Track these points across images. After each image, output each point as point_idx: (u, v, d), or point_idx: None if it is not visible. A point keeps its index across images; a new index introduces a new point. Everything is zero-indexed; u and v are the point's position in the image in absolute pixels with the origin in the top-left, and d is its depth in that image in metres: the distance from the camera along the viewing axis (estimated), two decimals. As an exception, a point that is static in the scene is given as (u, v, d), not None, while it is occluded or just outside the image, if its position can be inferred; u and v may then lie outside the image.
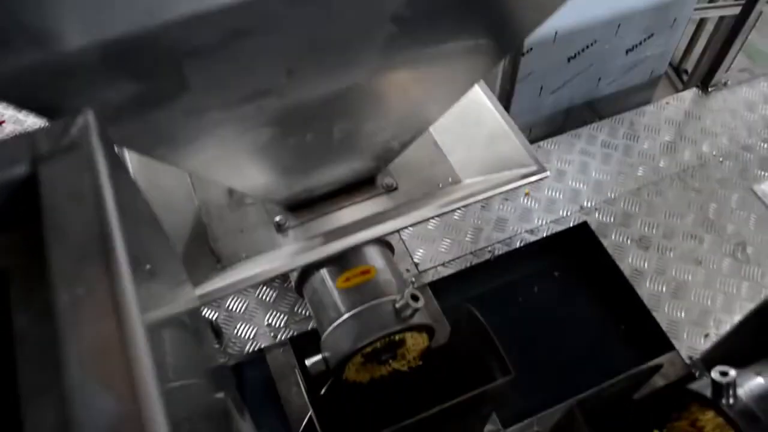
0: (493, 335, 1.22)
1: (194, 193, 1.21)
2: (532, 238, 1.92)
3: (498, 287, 1.92)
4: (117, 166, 0.53)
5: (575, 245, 1.98)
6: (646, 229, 1.96)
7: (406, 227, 1.13)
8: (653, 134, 2.18)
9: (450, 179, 1.22)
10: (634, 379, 1.38)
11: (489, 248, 1.89)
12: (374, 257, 1.34)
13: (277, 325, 1.76)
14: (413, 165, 1.24)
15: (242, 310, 1.78)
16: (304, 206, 1.17)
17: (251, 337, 1.75)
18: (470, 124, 1.26)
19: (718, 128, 2.21)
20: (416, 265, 1.86)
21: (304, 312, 1.78)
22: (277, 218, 1.16)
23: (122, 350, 0.39)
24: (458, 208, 1.14)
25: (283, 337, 1.74)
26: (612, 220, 1.97)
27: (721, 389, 1.23)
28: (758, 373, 1.30)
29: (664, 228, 1.96)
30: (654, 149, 2.14)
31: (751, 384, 1.27)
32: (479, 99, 1.27)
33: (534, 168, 1.15)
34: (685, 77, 2.99)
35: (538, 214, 1.97)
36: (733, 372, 1.22)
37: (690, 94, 2.32)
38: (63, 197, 0.45)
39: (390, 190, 1.21)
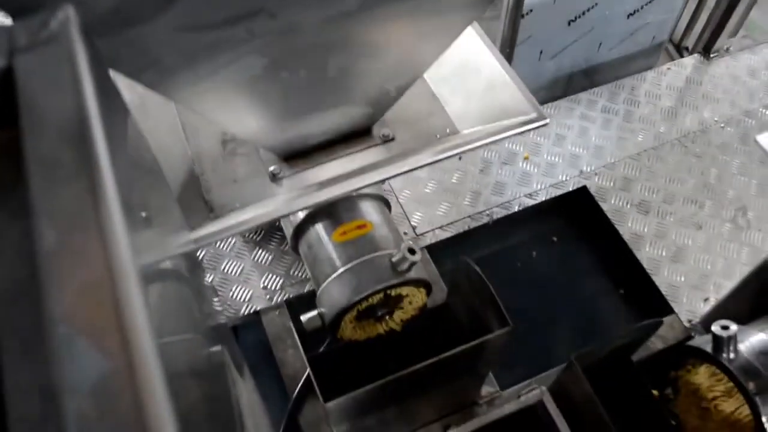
0: (491, 286, 1.21)
1: (187, 144, 1.18)
2: (531, 202, 1.90)
3: (496, 251, 1.90)
4: (106, 85, 0.50)
5: (574, 209, 1.96)
6: (646, 193, 1.94)
7: (402, 173, 1.11)
8: (654, 100, 2.16)
9: (448, 130, 1.20)
10: (634, 335, 1.36)
11: (487, 212, 1.87)
12: (370, 212, 1.32)
13: (273, 287, 1.75)
14: (410, 116, 1.21)
15: (238, 273, 1.77)
16: (299, 156, 1.15)
17: (247, 299, 1.73)
18: (468, 75, 1.24)
19: (720, 94, 2.19)
20: (414, 228, 1.84)
21: (300, 275, 1.76)
22: (272, 168, 1.14)
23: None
24: (455, 155, 1.12)
25: (278, 300, 1.73)
26: (612, 184, 1.95)
27: (721, 343, 1.21)
28: (760, 330, 1.29)
29: (664, 193, 1.94)
30: (655, 115, 2.12)
31: (752, 339, 1.25)
32: (478, 48, 1.24)
33: (534, 115, 1.13)
34: (686, 54, 2.96)
35: (537, 179, 1.95)
36: (734, 326, 1.21)
37: (691, 60, 2.29)
38: (40, 86, 0.42)
39: (387, 140, 1.18)
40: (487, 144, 1.13)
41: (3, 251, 0.45)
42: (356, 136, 1.17)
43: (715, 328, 1.22)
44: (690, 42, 2.61)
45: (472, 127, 1.19)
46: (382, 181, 1.14)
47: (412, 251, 1.23)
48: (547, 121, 1.12)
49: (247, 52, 0.75)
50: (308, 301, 1.32)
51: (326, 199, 1.07)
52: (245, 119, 0.95)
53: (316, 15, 0.73)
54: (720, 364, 1.22)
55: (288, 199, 1.07)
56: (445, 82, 1.24)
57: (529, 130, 1.12)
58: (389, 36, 0.88)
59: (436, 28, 0.91)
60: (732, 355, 1.22)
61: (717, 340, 1.22)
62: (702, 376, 1.28)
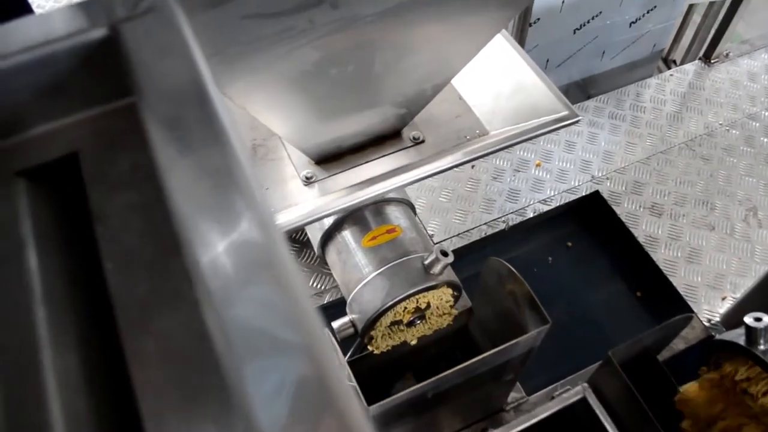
0: (526, 283, 1.20)
1: (217, 150, 1.18)
2: (545, 208, 1.91)
3: (512, 258, 1.89)
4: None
5: (588, 214, 1.97)
6: (657, 196, 1.96)
7: (434, 174, 1.11)
8: (659, 105, 2.19)
9: (477, 131, 1.20)
10: (665, 331, 1.36)
11: (502, 219, 1.87)
12: (399, 216, 1.32)
13: (292, 300, 1.73)
14: (439, 119, 1.22)
15: (255, 287, 1.74)
16: (332, 159, 1.15)
17: (266, 313, 1.71)
18: (496, 77, 1.24)
19: (722, 98, 2.23)
20: (431, 237, 1.83)
21: (319, 286, 1.75)
22: (305, 172, 1.13)
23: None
24: (487, 155, 1.12)
25: (298, 313, 1.71)
26: (624, 188, 1.97)
27: (756, 335, 1.21)
28: (788, 322, 1.29)
29: (675, 195, 1.96)
30: (660, 119, 2.15)
31: (782, 331, 1.25)
32: (504, 49, 1.25)
33: (565, 113, 1.13)
34: (673, 67, 3.00)
35: (550, 185, 1.96)
36: (767, 317, 1.21)
37: (693, 66, 2.33)
38: (152, 52, 0.42)
39: (417, 143, 1.19)
40: (518, 142, 1.14)
41: (107, 227, 0.44)
42: (387, 138, 1.18)
43: (749, 320, 1.22)
44: (678, 56, 2.65)
45: (501, 128, 1.19)
46: (417, 181, 1.14)
47: (444, 253, 1.22)
48: (580, 118, 1.12)
49: (302, 45, 0.75)
50: (329, 312, 1.31)
51: (366, 199, 1.07)
52: (289, 117, 0.94)
53: (373, 6, 0.73)
54: (755, 356, 1.22)
55: (326, 200, 1.06)
56: (472, 85, 1.25)
57: (561, 128, 1.13)
58: (435, 31, 0.89)
59: (478, 23, 0.92)
60: (765, 347, 1.22)
61: (750, 331, 1.22)
62: (735, 369, 1.28)
